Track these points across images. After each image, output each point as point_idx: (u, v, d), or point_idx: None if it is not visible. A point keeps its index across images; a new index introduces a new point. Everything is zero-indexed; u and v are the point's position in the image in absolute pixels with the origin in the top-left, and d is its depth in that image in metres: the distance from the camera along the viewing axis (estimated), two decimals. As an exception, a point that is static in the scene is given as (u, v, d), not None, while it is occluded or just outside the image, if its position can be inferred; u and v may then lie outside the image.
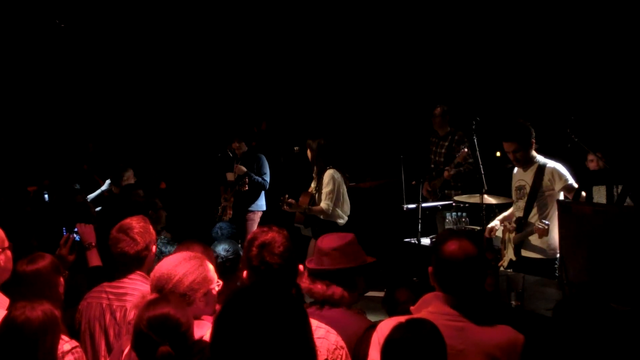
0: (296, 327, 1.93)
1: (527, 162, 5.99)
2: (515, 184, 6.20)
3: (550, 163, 5.94)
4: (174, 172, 11.33)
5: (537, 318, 4.38)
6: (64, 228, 4.91)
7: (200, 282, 3.13)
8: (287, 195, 7.68)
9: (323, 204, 7.51)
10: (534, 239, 5.87)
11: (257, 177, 8.72)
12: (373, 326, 3.19)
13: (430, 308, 2.97)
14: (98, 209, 7.58)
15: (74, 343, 3.26)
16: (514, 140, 5.95)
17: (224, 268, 4.25)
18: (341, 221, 7.62)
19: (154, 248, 3.99)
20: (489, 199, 6.50)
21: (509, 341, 2.87)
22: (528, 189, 5.98)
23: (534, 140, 5.96)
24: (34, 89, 11.48)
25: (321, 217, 7.59)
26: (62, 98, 11.77)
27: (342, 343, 2.98)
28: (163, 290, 3.01)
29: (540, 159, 5.99)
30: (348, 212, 7.70)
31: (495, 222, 6.30)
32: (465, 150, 7.69)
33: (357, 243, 3.55)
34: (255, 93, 11.63)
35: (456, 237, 3.02)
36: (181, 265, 3.12)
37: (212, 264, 3.36)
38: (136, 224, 3.92)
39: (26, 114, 11.44)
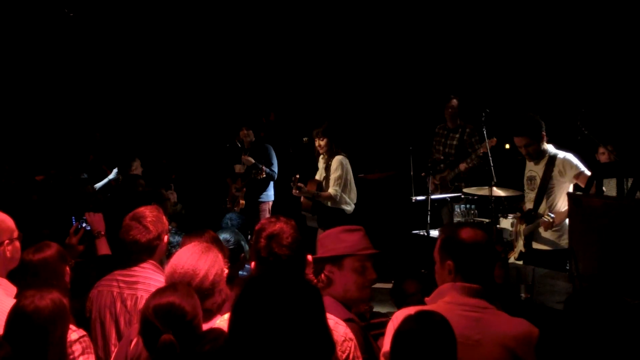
0: (315, 314, 1.92)
1: (538, 155, 5.98)
2: (526, 173, 6.18)
3: (561, 154, 5.92)
4: (183, 163, 11.33)
5: (546, 311, 4.36)
6: (72, 217, 4.90)
7: (220, 274, 3.17)
8: (297, 176, 7.64)
9: (331, 190, 7.49)
10: (544, 231, 5.86)
11: (265, 168, 8.72)
12: (351, 320, 3.14)
13: (446, 298, 2.95)
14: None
15: (82, 332, 3.26)
16: (525, 135, 5.94)
17: None
18: (348, 208, 7.59)
19: (166, 238, 3.99)
20: (498, 192, 6.48)
21: (524, 334, 2.85)
22: (539, 180, 5.97)
23: (544, 133, 5.94)
24: (41, 79, 11.48)
25: (328, 203, 7.55)
26: (69, 87, 11.78)
27: (350, 335, 2.94)
28: (189, 286, 3.01)
29: (552, 150, 5.97)
30: (355, 200, 7.68)
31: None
32: (495, 139, 7.54)
33: (348, 234, 3.42)
34: (264, 84, 11.61)
35: (466, 225, 3.06)
36: (202, 259, 3.14)
37: (225, 251, 3.35)
38: (149, 212, 3.92)
39: (33, 105, 11.45)
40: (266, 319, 1.86)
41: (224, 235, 4.45)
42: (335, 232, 3.46)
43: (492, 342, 2.82)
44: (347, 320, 3.07)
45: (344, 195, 7.55)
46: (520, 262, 5.84)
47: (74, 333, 3.19)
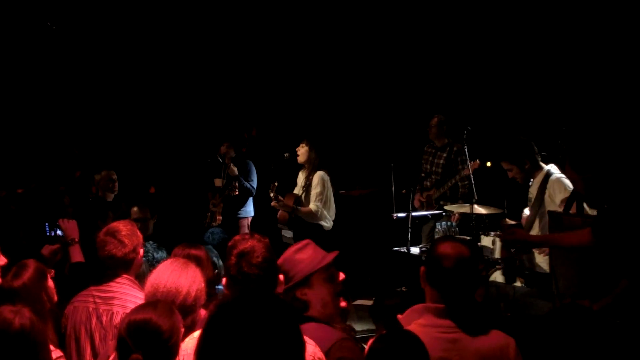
0: (289, 337, 1.88)
1: (526, 178, 5.96)
2: (528, 194, 6.14)
3: (554, 176, 5.80)
4: (163, 177, 11.27)
5: (526, 328, 4.35)
6: (46, 224, 4.87)
7: (202, 290, 3.14)
8: (276, 184, 7.58)
9: (312, 206, 7.41)
10: (539, 256, 5.75)
11: (245, 183, 8.69)
12: (345, 338, 3.08)
13: (421, 320, 2.90)
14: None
15: (59, 352, 3.20)
16: (505, 160, 5.98)
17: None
18: (326, 225, 7.48)
19: (141, 251, 3.97)
20: (479, 209, 6.49)
21: (501, 347, 2.85)
22: (533, 202, 5.93)
23: (531, 158, 5.91)
24: (20, 94, 11.40)
25: (308, 219, 7.47)
26: (48, 102, 11.70)
27: (320, 354, 2.91)
28: (173, 304, 2.96)
29: (551, 170, 5.89)
30: (333, 217, 7.59)
31: None
32: (478, 162, 7.49)
33: (301, 252, 3.32)
34: (246, 99, 11.60)
35: (451, 240, 3.02)
36: (182, 276, 3.09)
37: (209, 264, 3.33)
38: (123, 227, 3.90)
39: (12, 120, 11.36)
40: (236, 343, 1.81)
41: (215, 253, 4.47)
42: (288, 255, 3.34)
43: None
44: (343, 340, 3.03)
45: (323, 211, 7.49)
46: (501, 280, 5.83)
47: (52, 353, 3.12)
